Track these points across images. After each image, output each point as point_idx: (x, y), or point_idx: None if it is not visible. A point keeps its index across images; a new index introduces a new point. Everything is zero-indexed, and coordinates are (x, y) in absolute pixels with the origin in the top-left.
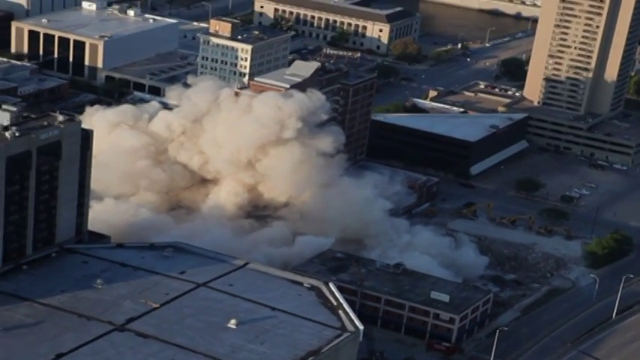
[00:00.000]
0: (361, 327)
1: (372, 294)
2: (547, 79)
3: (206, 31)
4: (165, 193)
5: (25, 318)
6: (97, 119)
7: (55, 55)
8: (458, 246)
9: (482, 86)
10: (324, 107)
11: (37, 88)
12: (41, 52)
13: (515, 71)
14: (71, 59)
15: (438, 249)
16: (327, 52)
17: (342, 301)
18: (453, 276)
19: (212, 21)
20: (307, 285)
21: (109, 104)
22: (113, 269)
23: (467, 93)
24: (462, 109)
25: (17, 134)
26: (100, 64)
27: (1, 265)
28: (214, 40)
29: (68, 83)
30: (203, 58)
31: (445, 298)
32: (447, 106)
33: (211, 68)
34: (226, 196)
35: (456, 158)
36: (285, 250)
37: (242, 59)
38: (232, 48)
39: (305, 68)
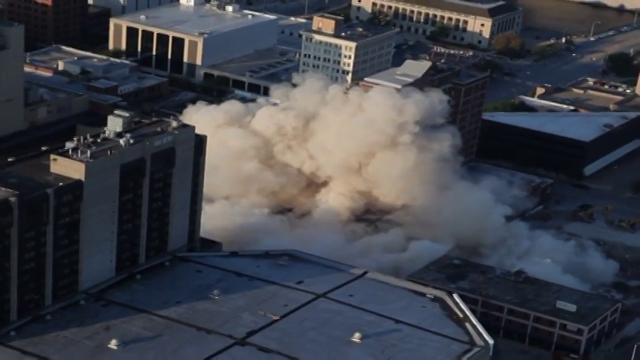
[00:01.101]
0: (491, 341)
1: (494, 303)
2: None
3: (308, 28)
4: (273, 195)
5: (143, 331)
6: (202, 118)
7: (154, 52)
8: (582, 251)
9: (590, 83)
10: (444, 108)
11: (137, 87)
12: (139, 49)
13: (622, 66)
14: (169, 56)
15: (561, 254)
16: (438, 50)
17: (468, 313)
18: (578, 283)
19: (315, 17)
20: (430, 296)
21: (210, 102)
22: (228, 279)
23: (575, 90)
24: (572, 107)
25: (131, 141)
26: (198, 62)
27: (114, 275)
28: (317, 37)
29: (167, 81)
30: (305, 55)
31: (572, 307)
32: (556, 104)
33: (313, 66)
34: (337, 199)
35: (570, 158)
36: (397, 256)
37: (346, 57)
38: (336, 45)
39: (416, 68)
